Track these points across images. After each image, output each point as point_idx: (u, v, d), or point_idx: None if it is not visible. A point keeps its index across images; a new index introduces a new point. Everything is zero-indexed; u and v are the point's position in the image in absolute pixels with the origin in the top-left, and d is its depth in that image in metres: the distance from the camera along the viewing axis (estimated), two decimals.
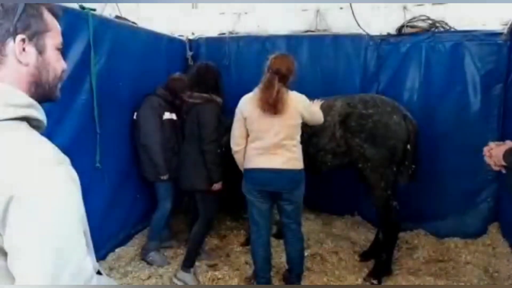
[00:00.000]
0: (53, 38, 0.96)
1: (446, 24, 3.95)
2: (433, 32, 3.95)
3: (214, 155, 3.00)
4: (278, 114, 2.64)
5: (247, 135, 2.79)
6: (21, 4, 0.89)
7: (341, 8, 4.31)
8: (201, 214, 3.17)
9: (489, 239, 3.76)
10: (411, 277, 3.23)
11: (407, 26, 4.04)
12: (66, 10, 2.68)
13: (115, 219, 3.48)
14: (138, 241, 3.78)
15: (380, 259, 3.26)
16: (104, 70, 3.20)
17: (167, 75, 3.67)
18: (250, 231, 2.94)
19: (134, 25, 3.83)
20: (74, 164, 0.90)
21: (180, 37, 4.68)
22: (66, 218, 0.82)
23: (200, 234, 3.19)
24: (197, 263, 3.31)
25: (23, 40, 0.90)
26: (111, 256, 3.44)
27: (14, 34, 0.88)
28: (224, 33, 4.65)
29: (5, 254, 0.80)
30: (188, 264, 3.17)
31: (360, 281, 3.21)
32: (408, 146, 3.17)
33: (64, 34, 1.00)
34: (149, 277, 3.24)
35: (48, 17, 0.95)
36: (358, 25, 4.14)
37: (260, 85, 2.71)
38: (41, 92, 0.95)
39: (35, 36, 0.92)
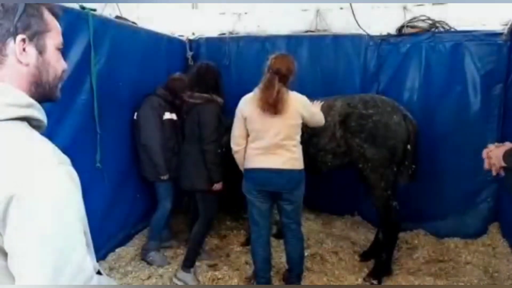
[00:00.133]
0: (54, 38, 0.96)
1: (446, 24, 3.95)
2: (433, 32, 3.95)
3: (214, 155, 3.00)
4: (278, 114, 2.64)
5: (247, 135, 2.79)
6: (22, 4, 0.89)
7: (341, 8, 4.31)
8: (201, 214, 3.17)
9: (489, 239, 3.76)
10: (411, 277, 3.23)
11: (407, 26, 4.04)
12: (66, 10, 2.68)
13: (115, 219, 3.48)
14: (138, 241, 3.78)
15: (380, 259, 3.26)
16: (104, 70, 3.20)
17: (167, 75, 3.67)
18: (250, 231, 2.94)
19: (134, 25, 3.83)
20: (74, 164, 0.90)
21: (180, 37, 4.68)
22: (66, 218, 0.82)
23: (200, 234, 3.19)
24: (197, 263, 3.31)
25: (23, 40, 0.90)
26: (111, 256, 3.44)
27: (15, 34, 0.88)
28: (224, 33, 4.65)
29: (5, 254, 0.80)
30: (188, 264, 3.17)
31: (360, 281, 3.21)
32: (408, 146, 3.17)
33: (64, 34, 1.00)
34: (149, 277, 3.24)
35: (48, 17, 0.95)
36: (358, 25, 4.14)
37: (260, 85, 2.71)
38: (41, 92, 0.95)
39: (36, 36, 0.92)
